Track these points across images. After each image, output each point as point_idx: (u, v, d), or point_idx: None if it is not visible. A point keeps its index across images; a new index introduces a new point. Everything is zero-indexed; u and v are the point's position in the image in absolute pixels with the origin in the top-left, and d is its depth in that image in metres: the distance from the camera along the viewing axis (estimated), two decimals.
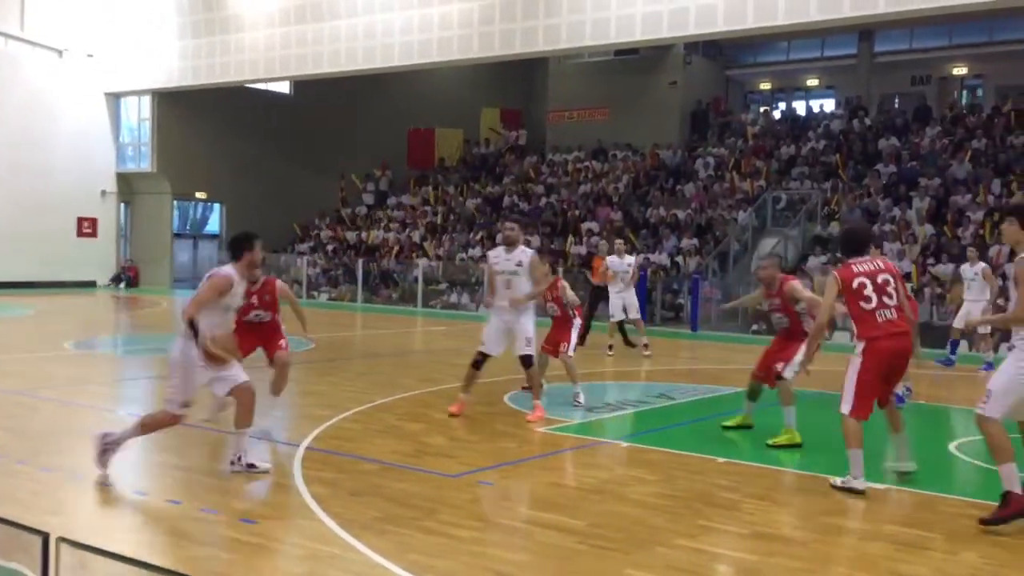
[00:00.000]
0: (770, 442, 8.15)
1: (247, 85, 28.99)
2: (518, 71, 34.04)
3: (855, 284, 6.70)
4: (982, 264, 14.52)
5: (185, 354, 6.45)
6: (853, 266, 6.82)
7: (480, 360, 9.32)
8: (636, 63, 30.59)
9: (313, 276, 28.50)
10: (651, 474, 7.18)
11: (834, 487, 6.71)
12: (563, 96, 33.15)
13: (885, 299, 6.70)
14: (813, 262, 21.30)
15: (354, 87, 30.17)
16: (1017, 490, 5.78)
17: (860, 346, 6.65)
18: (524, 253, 9.21)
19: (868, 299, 6.68)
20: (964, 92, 31.14)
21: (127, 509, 6.21)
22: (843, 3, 17.46)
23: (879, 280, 6.75)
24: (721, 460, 7.67)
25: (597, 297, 16.69)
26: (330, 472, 6.96)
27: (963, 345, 15.49)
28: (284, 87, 32.22)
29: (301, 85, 31.13)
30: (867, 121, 27.66)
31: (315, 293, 27.85)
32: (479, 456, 7.61)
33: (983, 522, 5.84)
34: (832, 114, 29.74)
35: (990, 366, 13.60)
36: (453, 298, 25.44)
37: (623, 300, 15.60)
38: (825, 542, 5.68)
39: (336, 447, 7.81)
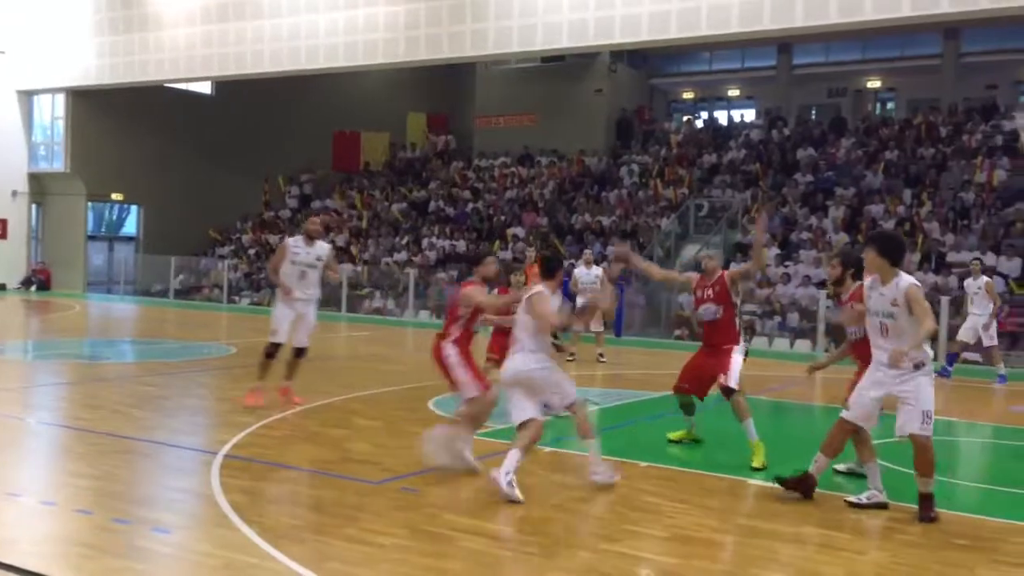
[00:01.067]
0: (755, 465, 7.67)
1: (167, 84, 28.31)
2: (445, 76, 33.96)
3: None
4: (985, 278, 14.43)
5: (543, 364, 6.64)
6: None
7: (273, 351, 9.73)
8: (562, 70, 30.79)
9: (234, 280, 27.96)
10: (575, 479, 7.20)
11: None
12: (490, 102, 33.17)
13: None
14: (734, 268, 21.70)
15: (278, 88, 29.67)
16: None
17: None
18: (323, 248, 9.84)
19: None
20: (878, 104, 32.19)
21: (34, 520, 5.95)
22: (763, 16, 17.88)
23: None
24: (644, 464, 7.74)
25: None
26: (249, 480, 6.81)
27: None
28: (205, 87, 31.52)
29: (223, 85, 30.49)
30: (786, 131, 28.34)
31: (236, 298, 27.32)
32: (402, 463, 7.53)
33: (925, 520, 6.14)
34: (752, 124, 30.40)
35: (1003, 379, 14.00)
36: (377, 303, 25.23)
37: None
38: (744, 544, 5.77)
39: (256, 454, 7.64)
